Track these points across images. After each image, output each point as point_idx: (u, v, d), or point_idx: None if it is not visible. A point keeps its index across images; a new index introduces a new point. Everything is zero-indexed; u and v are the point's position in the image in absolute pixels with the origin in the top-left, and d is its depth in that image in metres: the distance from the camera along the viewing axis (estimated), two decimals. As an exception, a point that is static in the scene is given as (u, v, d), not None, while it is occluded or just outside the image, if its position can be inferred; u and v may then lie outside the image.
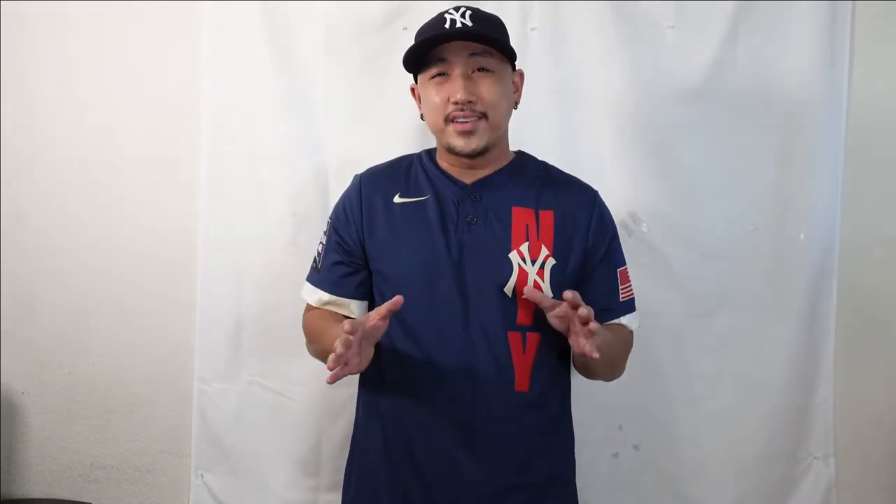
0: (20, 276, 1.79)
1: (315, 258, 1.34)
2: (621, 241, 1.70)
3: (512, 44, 1.22)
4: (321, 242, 1.33)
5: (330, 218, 1.34)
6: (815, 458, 1.79)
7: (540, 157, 1.34)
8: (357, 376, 1.32)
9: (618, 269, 1.30)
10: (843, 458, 1.80)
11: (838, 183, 1.75)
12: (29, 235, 1.78)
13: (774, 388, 1.76)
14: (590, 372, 1.29)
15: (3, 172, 1.77)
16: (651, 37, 1.70)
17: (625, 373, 1.33)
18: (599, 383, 1.35)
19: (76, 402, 1.81)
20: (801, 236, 1.74)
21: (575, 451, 1.33)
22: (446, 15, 1.19)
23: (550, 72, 1.70)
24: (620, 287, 1.30)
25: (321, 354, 1.23)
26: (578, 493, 1.71)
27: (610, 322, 1.28)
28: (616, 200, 1.70)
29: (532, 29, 1.70)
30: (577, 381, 1.33)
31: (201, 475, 1.79)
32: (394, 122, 1.66)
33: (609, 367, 1.28)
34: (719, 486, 1.77)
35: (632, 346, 1.34)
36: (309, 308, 1.34)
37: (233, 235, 1.74)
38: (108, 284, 1.78)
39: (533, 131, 1.67)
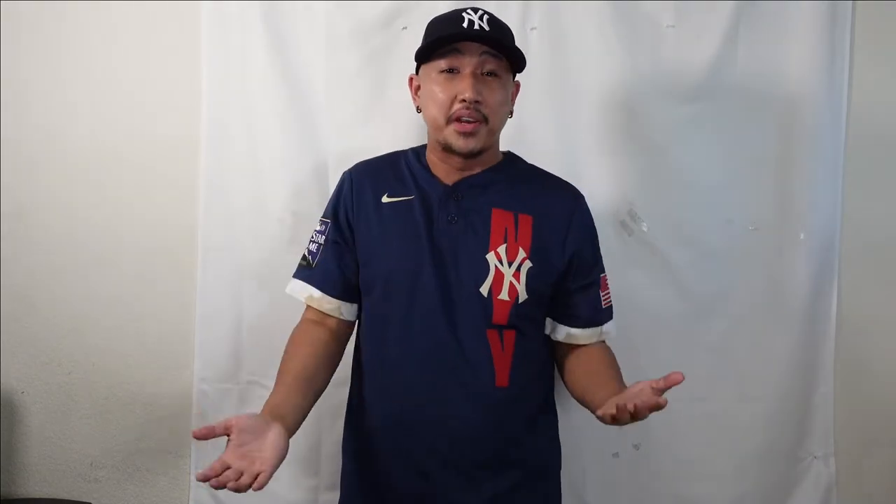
0: (20, 275, 1.78)
1: (305, 255, 1.34)
2: (621, 240, 1.72)
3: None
4: (314, 241, 1.34)
5: (327, 217, 1.34)
6: (815, 457, 1.79)
7: (539, 157, 1.35)
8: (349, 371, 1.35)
9: (600, 276, 1.32)
10: (843, 458, 1.79)
11: (838, 183, 1.75)
12: (29, 234, 1.78)
13: (774, 388, 1.76)
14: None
15: (3, 172, 1.77)
16: (651, 36, 1.70)
17: (624, 373, 1.33)
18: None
19: (76, 402, 1.81)
20: (801, 236, 1.73)
21: (560, 439, 1.36)
22: (464, 14, 1.20)
23: (550, 71, 1.69)
24: (602, 295, 1.32)
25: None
26: (579, 492, 1.73)
27: (593, 331, 1.31)
28: (616, 200, 1.72)
29: (532, 29, 1.70)
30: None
31: (201, 475, 1.79)
32: (394, 121, 1.66)
33: None
34: (719, 486, 1.77)
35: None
36: (304, 316, 1.34)
37: (233, 235, 1.74)
38: (108, 284, 1.78)
39: (532, 130, 1.67)
